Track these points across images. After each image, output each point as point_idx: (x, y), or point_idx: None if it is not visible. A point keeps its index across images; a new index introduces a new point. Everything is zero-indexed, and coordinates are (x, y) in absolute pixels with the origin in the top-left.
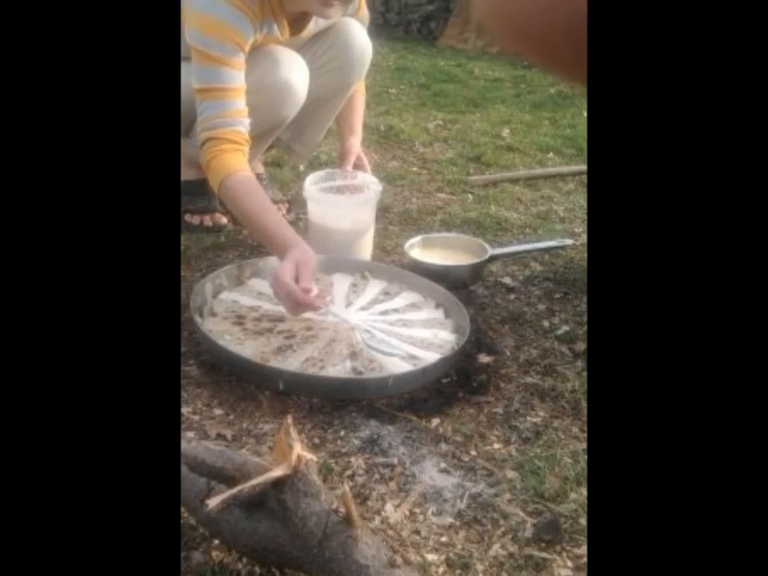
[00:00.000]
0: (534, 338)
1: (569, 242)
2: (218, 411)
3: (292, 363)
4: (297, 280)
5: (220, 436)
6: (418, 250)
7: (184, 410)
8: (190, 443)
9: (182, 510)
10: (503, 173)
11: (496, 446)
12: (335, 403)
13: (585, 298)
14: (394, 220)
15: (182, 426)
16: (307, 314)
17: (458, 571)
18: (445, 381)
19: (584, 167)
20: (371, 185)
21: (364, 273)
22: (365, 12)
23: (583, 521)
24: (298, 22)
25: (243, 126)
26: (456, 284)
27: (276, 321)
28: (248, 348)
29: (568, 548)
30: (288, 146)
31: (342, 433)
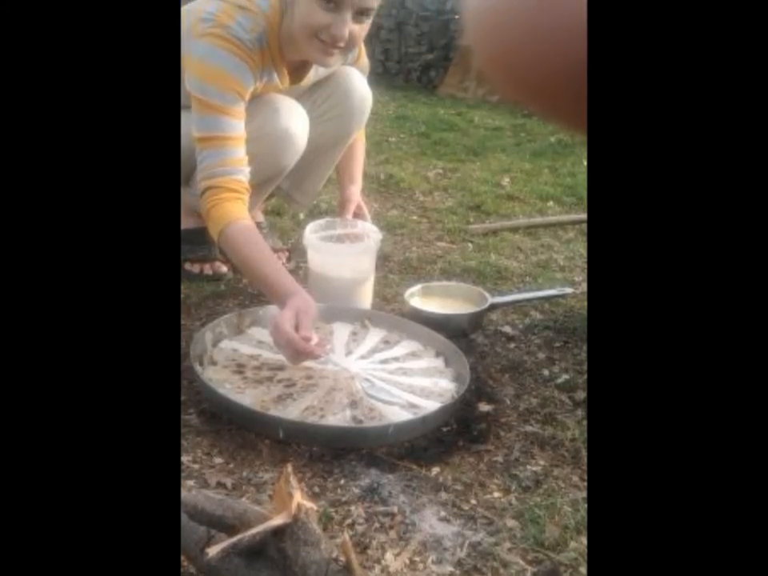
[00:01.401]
0: (534, 386)
1: (569, 290)
2: (218, 460)
3: (292, 412)
4: (297, 328)
5: (220, 484)
6: (417, 298)
7: (184, 458)
8: (190, 492)
9: (182, 558)
10: (503, 221)
11: (496, 494)
12: (335, 452)
13: (585, 347)
14: (394, 268)
15: (182, 474)
16: (307, 363)
17: None
18: (445, 429)
19: (584, 216)
20: (371, 233)
21: (364, 321)
22: (365, 60)
23: (583, 569)
24: (298, 71)
25: (243, 174)
26: (456, 333)
27: (276, 369)
28: (248, 396)
29: None
30: (288, 194)
31: (342, 481)
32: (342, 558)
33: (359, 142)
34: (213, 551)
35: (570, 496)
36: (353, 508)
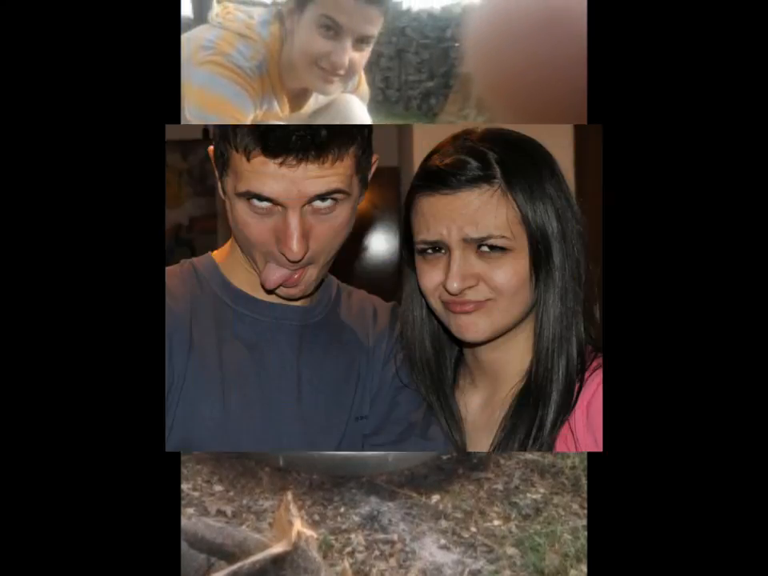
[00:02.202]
0: None
1: None
2: (218, 487)
3: None
4: None
5: (220, 512)
6: None
7: (184, 486)
8: (190, 519)
9: None
10: None
11: (496, 522)
12: (335, 480)
13: None
14: None
15: (182, 502)
16: None
17: None
18: (445, 457)
19: None
20: None
21: None
22: (365, 88)
23: None
24: (297, 98)
25: None
26: None
27: None
28: None
29: None
30: None
31: (342, 509)
32: None
33: None
34: None
35: (570, 524)
36: (353, 536)
